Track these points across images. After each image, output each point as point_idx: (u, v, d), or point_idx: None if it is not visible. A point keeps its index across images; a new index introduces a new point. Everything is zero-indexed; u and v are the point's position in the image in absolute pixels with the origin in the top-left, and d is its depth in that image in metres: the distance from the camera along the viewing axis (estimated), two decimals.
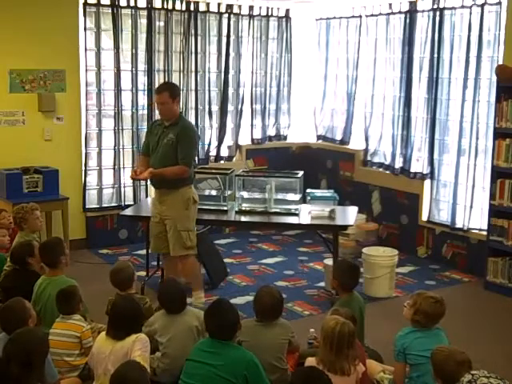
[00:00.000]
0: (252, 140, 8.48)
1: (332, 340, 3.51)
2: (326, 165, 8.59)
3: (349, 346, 3.53)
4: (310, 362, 3.62)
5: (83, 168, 7.31)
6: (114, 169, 7.51)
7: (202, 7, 7.83)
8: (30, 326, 3.74)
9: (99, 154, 7.44)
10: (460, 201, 6.83)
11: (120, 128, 7.47)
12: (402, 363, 3.87)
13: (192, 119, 7.74)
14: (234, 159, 8.34)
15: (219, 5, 7.95)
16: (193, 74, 7.84)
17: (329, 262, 6.13)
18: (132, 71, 7.47)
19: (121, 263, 5.05)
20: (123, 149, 7.51)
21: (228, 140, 8.28)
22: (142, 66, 7.51)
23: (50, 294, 4.42)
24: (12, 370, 3.22)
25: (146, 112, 7.63)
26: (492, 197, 6.20)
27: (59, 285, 4.37)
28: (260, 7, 8.28)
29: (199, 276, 5.75)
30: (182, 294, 4.35)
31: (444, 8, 6.85)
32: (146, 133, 5.89)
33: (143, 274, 6.23)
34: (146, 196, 7.66)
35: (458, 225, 6.86)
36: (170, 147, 5.32)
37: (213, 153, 8.17)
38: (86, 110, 7.28)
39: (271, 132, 8.66)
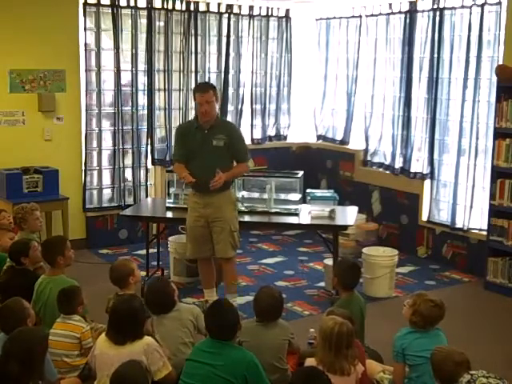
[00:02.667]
0: (252, 140, 8.46)
1: (330, 340, 3.51)
2: (325, 165, 8.59)
3: (348, 346, 3.52)
4: (310, 362, 3.62)
5: (83, 168, 7.31)
6: (113, 169, 7.51)
7: (202, 7, 7.83)
8: (28, 326, 3.74)
9: (99, 154, 7.44)
10: (460, 201, 6.83)
11: (120, 128, 7.46)
12: (401, 364, 3.87)
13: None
14: None
15: (219, 5, 7.95)
16: (193, 74, 7.84)
17: (329, 262, 6.13)
18: (132, 71, 7.47)
19: (121, 260, 5.01)
20: (123, 149, 7.51)
21: None
22: (141, 66, 7.51)
23: (49, 294, 4.41)
24: (12, 368, 3.21)
25: (145, 112, 7.63)
26: (492, 197, 6.20)
27: (59, 284, 4.37)
28: (260, 7, 8.28)
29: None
30: (168, 292, 4.24)
31: (444, 8, 6.85)
32: (178, 140, 5.50)
33: (143, 274, 6.24)
34: (146, 196, 7.67)
35: (458, 225, 6.86)
36: (223, 148, 5.25)
37: None
38: (86, 109, 7.28)
39: (271, 132, 8.66)
